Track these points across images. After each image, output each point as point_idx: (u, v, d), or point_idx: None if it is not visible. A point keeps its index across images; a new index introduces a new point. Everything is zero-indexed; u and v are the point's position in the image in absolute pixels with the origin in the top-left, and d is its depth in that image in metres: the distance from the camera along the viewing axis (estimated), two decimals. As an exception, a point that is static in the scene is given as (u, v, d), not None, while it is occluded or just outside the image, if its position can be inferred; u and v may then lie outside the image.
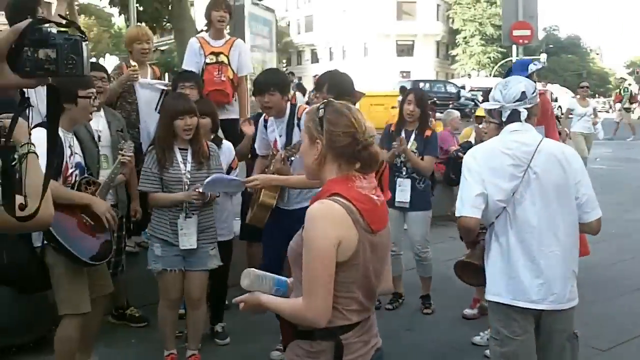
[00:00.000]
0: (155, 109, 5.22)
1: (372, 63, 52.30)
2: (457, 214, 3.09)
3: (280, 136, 4.58)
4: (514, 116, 3.13)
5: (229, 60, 5.83)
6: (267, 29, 9.36)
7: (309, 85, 38.51)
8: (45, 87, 1.46)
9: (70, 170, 3.90)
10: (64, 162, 3.85)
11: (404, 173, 5.45)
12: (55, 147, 1.91)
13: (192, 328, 4.38)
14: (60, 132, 3.83)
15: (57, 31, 1.37)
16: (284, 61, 49.30)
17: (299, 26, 63.05)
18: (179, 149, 4.23)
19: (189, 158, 4.24)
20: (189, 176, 4.19)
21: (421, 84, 28.52)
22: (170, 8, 12.70)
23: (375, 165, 2.21)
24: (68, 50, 1.36)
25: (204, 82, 5.58)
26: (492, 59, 51.05)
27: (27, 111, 1.48)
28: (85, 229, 3.86)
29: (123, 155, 4.18)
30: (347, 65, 54.06)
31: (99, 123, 4.71)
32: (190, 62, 5.85)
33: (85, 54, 1.39)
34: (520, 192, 3.03)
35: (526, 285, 3.01)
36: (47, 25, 1.37)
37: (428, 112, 5.71)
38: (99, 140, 4.59)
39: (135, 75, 5.30)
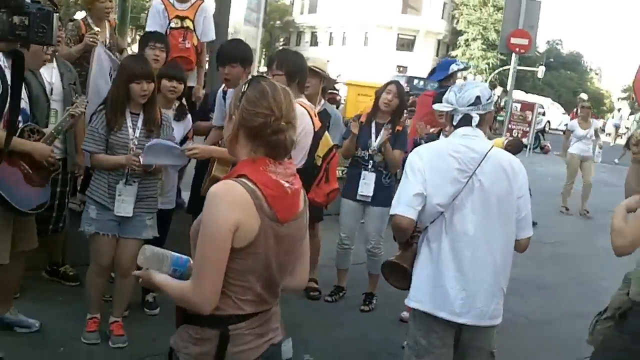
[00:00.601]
0: (110, 77, 5.06)
1: (371, 53, 51.87)
2: (391, 212, 3.02)
3: None
4: (465, 120, 3.05)
5: (194, 25, 5.69)
6: (256, 1, 9.16)
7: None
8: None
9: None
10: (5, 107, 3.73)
11: (369, 166, 5.35)
12: (17, 109, 2.07)
13: (118, 295, 4.29)
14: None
15: (32, 0, 1.48)
16: (282, 40, 48.85)
17: (302, 6, 62.17)
18: (131, 112, 4.11)
19: (139, 124, 4.12)
20: (136, 142, 4.08)
21: (415, 81, 28.35)
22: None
23: (283, 155, 2.09)
24: (40, 19, 1.48)
25: None
26: (490, 65, 50.90)
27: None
28: (24, 177, 3.76)
29: (74, 108, 4.08)
30: (345, 52, 54.04)
31: (52, 75, 4.57)
32: (154, 24, 5.70)
33: (55, 24, 1.51)
34: (461, 199, 2.95)
35: (451, 296, 2.95)
36: None
37: (404, 107, 5.59)
38: (51, 94, 4.46)
39: (94, 41, 5.09)
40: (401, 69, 49.48)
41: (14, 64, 1.67)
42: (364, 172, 5.34)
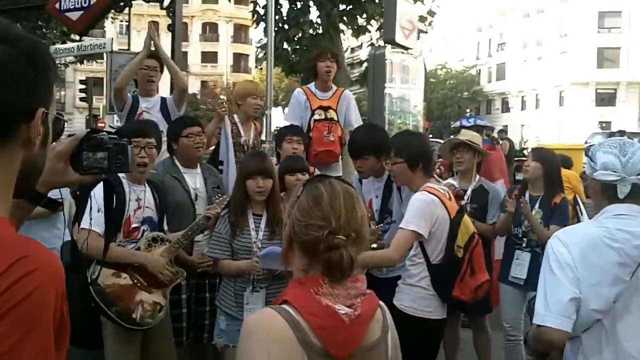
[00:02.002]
0: None
1: (569, 113, 49.32)
2: (537, 321, 2.31)
3: (376, 197, 4.28)
4: (635, 194, 2.33)
5: (337, 115, 5.45)
6: (416, 78, 8.89)
7: (514, 134, 37.00)
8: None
9: (133, 225, 3.73)
10: (125, 217, 3.69)
11: (524, 245, 4.67)
12: (114, 229, 2.68)
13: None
14: (126, 185, 3.77)
15: (109, 137, 1.74)
16: (468, 110, 48.05)
17: (489, 74, 61.30)
18: (253, 214, 3.88)
19: (262, 225, 3.87)
20: (260, 245, 3.80)
21: (617, 136, 26.08)
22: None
23: (339, 277, 1.67)
24: (116, 152, 1.73)
25: (312, 140, 5.26)
26: None
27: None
28: (136, 289, 3.63)
29: (211, 209, 3.94)
30: (540, 115, 52.05)
31: (196, 180, 4.50)
32: (294, 116, 5.53)
33: (130, 154, 1.77)
34: (625, 302, 2.24)
35: None
36: (101, 133, 1.75)
37: (557, 174, 4.82)
38: (196, 199, 4.39)
39: (224, 109, 5.07)
40: (604, 124, 46.16)
41: (105, 190, 1.94)
42: (517, 252, 4.69)
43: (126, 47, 17.48)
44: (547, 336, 2.28)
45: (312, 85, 5.67)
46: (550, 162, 4.76)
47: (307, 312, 1.60)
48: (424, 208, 3.49)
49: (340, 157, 5.53)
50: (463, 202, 4.58)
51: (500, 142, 18.05)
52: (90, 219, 3.26)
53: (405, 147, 3.67)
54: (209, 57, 61.04)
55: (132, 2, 8.84)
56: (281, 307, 1.64)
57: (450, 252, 3.57)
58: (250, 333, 1.62)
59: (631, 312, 2.25)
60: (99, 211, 2.93)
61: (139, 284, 3.65)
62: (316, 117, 5.40)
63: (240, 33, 62.87)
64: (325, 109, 5.43)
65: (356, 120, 5.69)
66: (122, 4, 8.35)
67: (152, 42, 5.45)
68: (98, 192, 2.23)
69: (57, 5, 8.87)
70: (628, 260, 2.26)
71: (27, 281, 1.05)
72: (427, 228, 3.49)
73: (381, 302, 1.80)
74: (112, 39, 17.12)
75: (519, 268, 4.65)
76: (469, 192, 4.77)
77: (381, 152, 4.06)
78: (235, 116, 5.37)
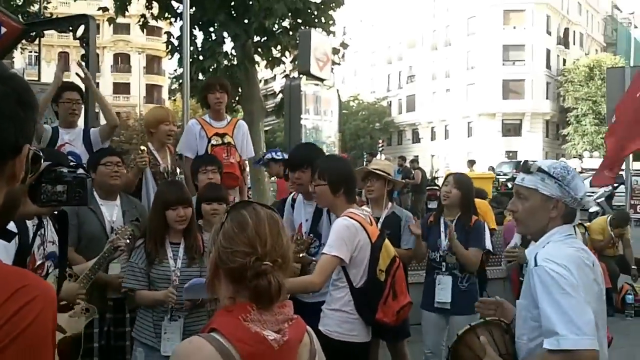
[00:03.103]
0: None
1: (477, 143, 51.21)
2: (565, 345, 2.19)
3: (306, 220, 4.31)
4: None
5: (234, 141, 5.53)
6: (330, 109, 9.03)
7: (425, 164, 37.85)
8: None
9: (38, 262, 3.58)
10: (30, 253, 3.54)
11: (443, 269, 4.79)
12: (64, 262, 2.70)
13: None
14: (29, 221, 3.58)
15: (68, 171, 1.78)
16: (380, 141, 49.06)
17: (400, 106, 62.87)
18: (171, 243, 3.85)
19: (180, 253, 3.84)
20: (179, 274, 3.78)
21: (521, 166, 27.19)
22: (240, 90, 12.74)
23: (267, 303, 1.67)
24: (76, 185, 1.78)
25: None
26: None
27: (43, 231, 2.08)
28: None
29: (115, 240, 3.83)
30: (450, 145, 53.71)
31: (112, 213, 4.42)
32: (188, 146, 5.55)
33: (89, 187, 1.82)
34: (597, 318, 2.31)
35: None
36: (60, 167, 1.79)
37: (471, 197, 5.00)
38: (111, 232, 4.25)
39: (143, 162, 4.95)
40: (510, 154, 48.15)
41: (60, 222, 2.08)
42: (438, 277, 4.80)
43: (36, 78, 16.87)
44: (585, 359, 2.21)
45: (206, 116, 5.75)
46: (468, 187, 4.94)
47: (235, 339, 1.60)
48: (345, 233, 3.53)
49: (240, 181, 5.59)
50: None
51: (413, 171, 18.56)
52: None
53: (328, 170, 3.68)
54: (122, 88, 59.91)
55: (44, 31, 8.59)
56: (210, 335, 1.63)
57: (372, 275, 3.61)
58: None
59: (600, 329, 2.32)
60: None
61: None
62: (213, 142, 5.46)
63: (153, 64, 62.15)
64: (222, 135, 5.51)
65: (249, 152, 5.85)
66: (33, 34, 8.08)
67: (81, 75, 5.42)
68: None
69: (-36, 35, 8.51)
70: (598, 277, 2.41)
71: (30, 309, 1.09)
72: (349, 253, 3.52)
73: (308, 327, 1.82)
74: (23, 69, 16.50)
75: (442, 292, 4.73)
76: (381, 220, 4.84)
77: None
78: (150, 144, 5.33)
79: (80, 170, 1.85)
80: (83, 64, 5.73)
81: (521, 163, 2.90)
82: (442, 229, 4.87)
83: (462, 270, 4.75)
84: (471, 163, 22.57)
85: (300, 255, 4.10)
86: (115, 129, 5.50)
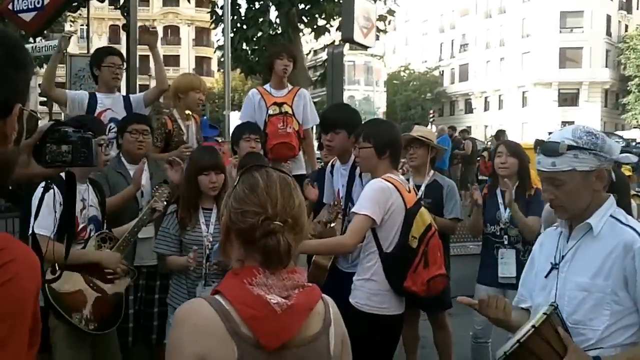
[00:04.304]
0: None
1: (532, 113, 50.12)
2: None
3: (342, 186, 4.22)
4: None
5: (293, 111, 5.39)
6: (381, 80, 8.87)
7: (478, 134, 37.07)
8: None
9: (81, 225, 3.61)
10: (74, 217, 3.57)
11: (505, 242, 4.52)
12: (72, 227, 2.59)
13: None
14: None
15: (73, 130, 1.77)
16: (431, 111, 48.19)
17: (452, 75, 61.81)
18: (203, 209, 3.84)
19: (212, 219, 3.82)
20: (211, 239, 3.76)
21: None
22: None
23: (276, 263, 1.65)
24: (80, 146, 1.77)
25: (268, 135, 5.19)
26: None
27: (52, 192, 1.94)
28: (91, 291, 3.52)
29: (154, 202, 3.83)
30: (504, 116, 52.53)
31: (142, 176, 4.39)
32: (247, 116, 5.44)
33: (94, 148, 1.80)
34: None
35: None
36: (65, 127, 1.78)
37: (527, 165, 4.70)
38: (142, 196, 4.28)
39: (187, 153, 4.72)
40: (567, 124, 46.68)
41: (67, 182, 1.93)
42: (500, 251, 4.52)
43: (86, 51, 17.22)
44: None
45: (267, 86, 5.63)
46: (522, 155, 4.68)
47: (238, 302, 1.59)
48: (379, 193, 3.44)
49: (299, 151, 5.48)
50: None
51: (463, 141, 18.15)
52: (50, 223, 3.14)
53: (374, 133, 3.59)
54: (171, 61, 60.41)
55: (88, 1, 8.70)
56: (212, 297, 1.63)
57: (404, 240, 3.48)
58: (178, 323, 1.61)
59: None
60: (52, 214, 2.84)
61: (94, 287, 3.54)
62: (270, 112, 5.35)
63: (202, 36, 62.50)
64: (280, 104, 5.39)
65: (313, 120, 5.66)
66: (75, 4, 8.19)
67: (152, 31, 5.38)
68: (43, 194, 2.20)
69: (10, 7, 8.66)
70: None
71: (1, 273, 1.06)
72: (381, 214, 3.42)
73: (325, 296, 1.77)
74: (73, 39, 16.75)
75: (507, 267, 4.47)
76: (422, 188, 4.71)
77: (352, 130, 3.97)
78: (175, 112, 5.27)
79: (86, 131, 1.83)
80: (148, 26, 5.66)
81: (536, 144, 2.65)
82: (499, 200, 4.62)
83: (525, 244, 4.48)
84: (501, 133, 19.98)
85: (331, 225, 4.02)
86: (163, 92, 5.47)
